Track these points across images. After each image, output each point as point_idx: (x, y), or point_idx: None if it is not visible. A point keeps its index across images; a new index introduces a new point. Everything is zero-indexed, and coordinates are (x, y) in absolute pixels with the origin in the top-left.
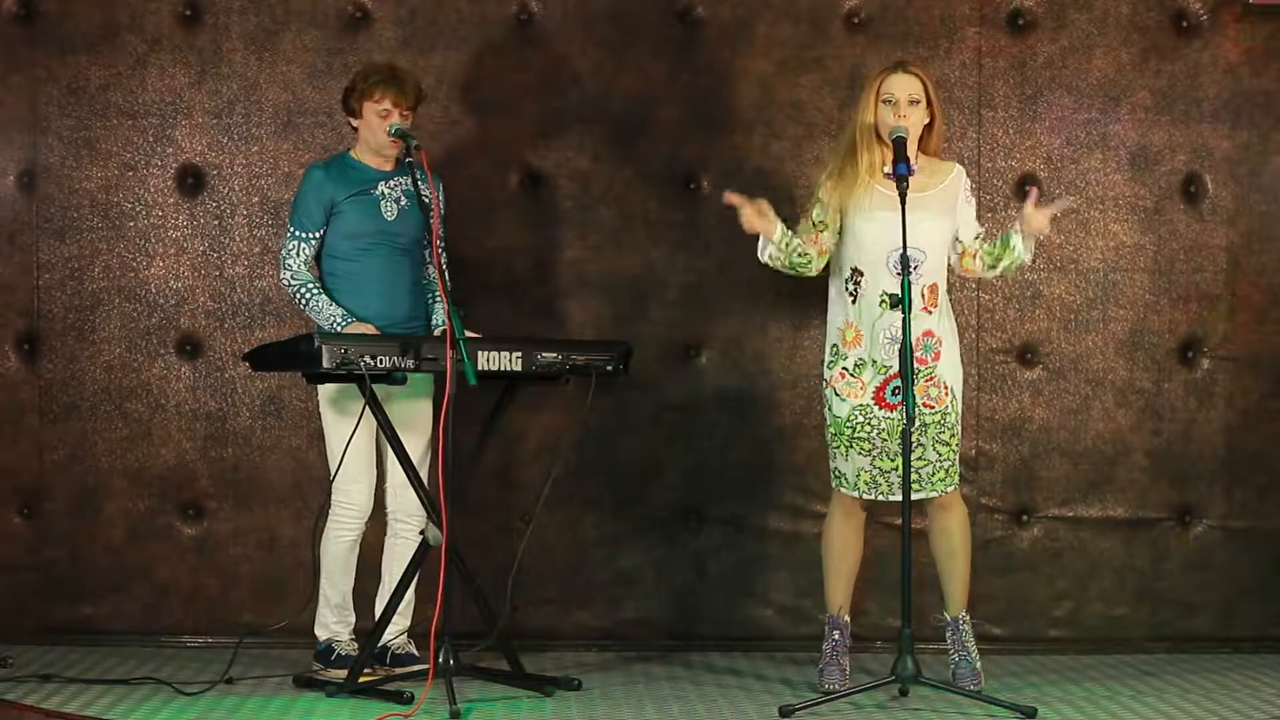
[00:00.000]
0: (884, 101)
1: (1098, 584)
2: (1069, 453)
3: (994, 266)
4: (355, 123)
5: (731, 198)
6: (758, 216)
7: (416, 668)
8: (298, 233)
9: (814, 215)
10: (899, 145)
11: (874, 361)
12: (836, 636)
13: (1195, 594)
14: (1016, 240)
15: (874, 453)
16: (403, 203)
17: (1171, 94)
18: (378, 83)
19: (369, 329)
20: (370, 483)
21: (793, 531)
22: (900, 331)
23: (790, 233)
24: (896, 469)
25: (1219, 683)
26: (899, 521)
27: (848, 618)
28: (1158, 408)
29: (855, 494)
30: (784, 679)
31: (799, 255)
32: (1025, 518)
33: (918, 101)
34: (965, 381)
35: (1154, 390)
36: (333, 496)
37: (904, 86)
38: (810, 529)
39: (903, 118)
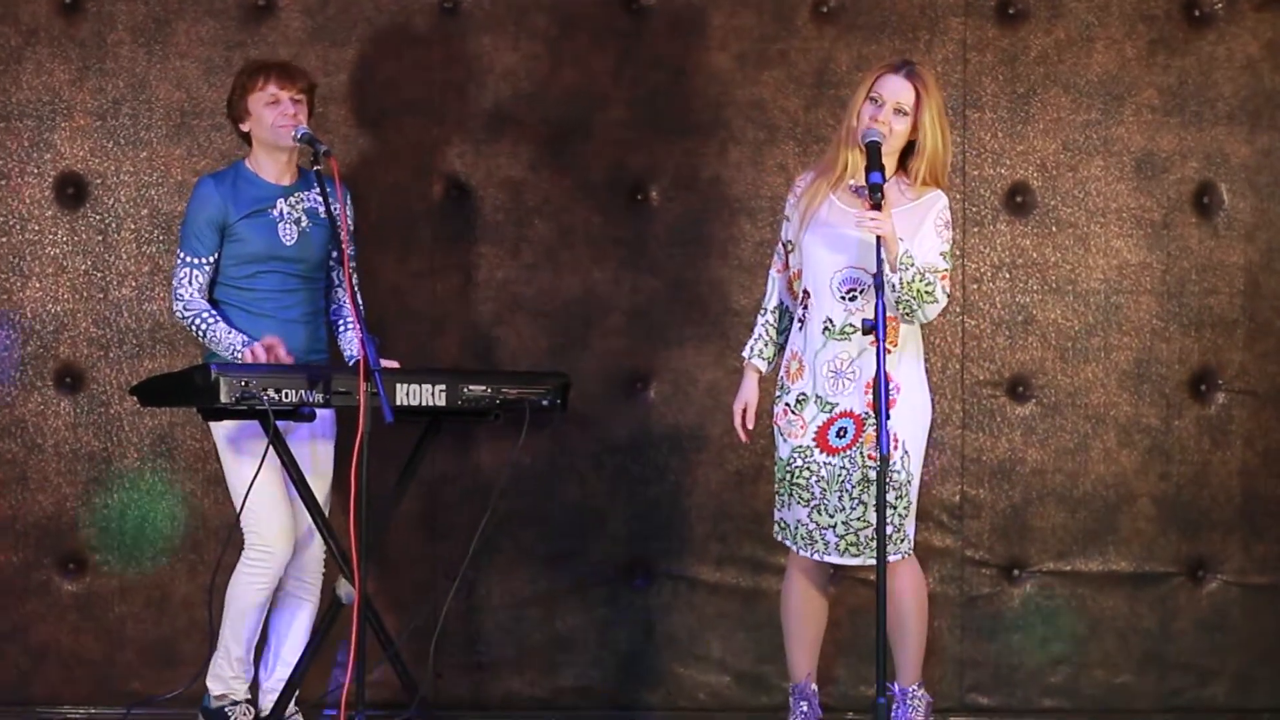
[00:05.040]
0: (869, 99)
1: (1099, 647)
2: (1066, 499)
3: (898, 305)
4: (245, 126)
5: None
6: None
7: None
8: (189, 259)
9: (782, 235)
10: (871, 151)
11: (817, 397)
12: (804, 708)
13: (1209, 659)
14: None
15: (812, 503)
16: (304, 223)
17: (1182, 93)
18: (257, 70)
19: (276, 342)
20: (286, 524)
21: (752, 588)
22: (844, 364)
23: (765, 346)
24: (834, 526)
25: None
26: (873, 578)
27: (815, 686)
28: (1167, 448)
29: (795, 546)
30: None
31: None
32: (1016, 572)
33: (904, 113)
34: (930, 436)
35: (1162, 428)
36: (246, 540)
37: (895, 90)
38: (772, 585)
39: (881, 122)
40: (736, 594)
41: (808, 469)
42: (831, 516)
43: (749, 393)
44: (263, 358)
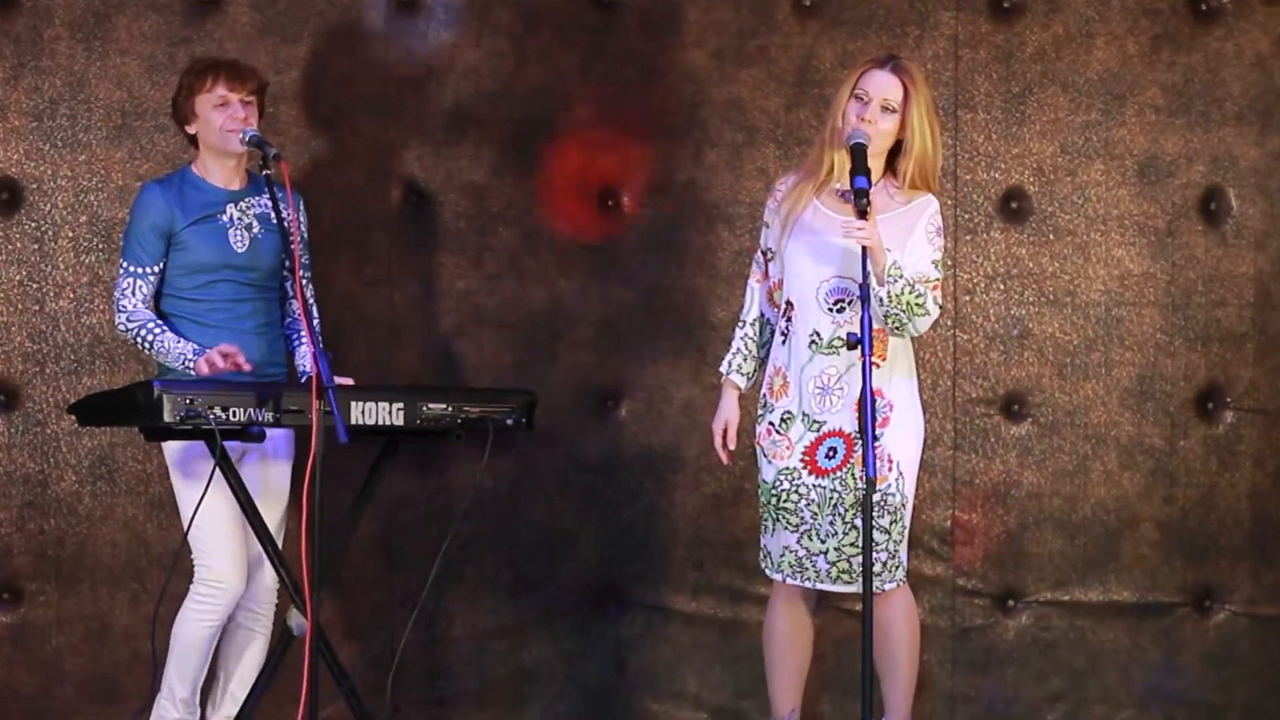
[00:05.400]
0: (855, 97)
1: (1099, 682)
2: (1064, 524)
3: (886, 319)
4: (192, 129)
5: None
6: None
7: None
8: (132, 268)
9: (761, 243)
10: (857, 154)
11: (804, 415)
12: None
13: (1216, 693)
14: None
15: (801, 528)
16: (255, 230)
17: (1188, 92)
18: (205, 69)
19: (234, 350)
20: (239, 556)
21: (731, 619)
22: (832, 380)
23: (745, 361)
24: (826, 553)
25: None
26: (859, 607)
27: None
28: (1171, 470)
29: (779, 576)
30: None
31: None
32: (1011, 602)
33: (892, 110)
34: (923, 458)
35: (1167, 449)
36: (196, 573)
37: (881, 87)
38: (752, 616)
39: (867, 121)
40: (714, 625)
41: (795, 492)
42: (823, 542)
43: (729, 411)
44: (221, 365)
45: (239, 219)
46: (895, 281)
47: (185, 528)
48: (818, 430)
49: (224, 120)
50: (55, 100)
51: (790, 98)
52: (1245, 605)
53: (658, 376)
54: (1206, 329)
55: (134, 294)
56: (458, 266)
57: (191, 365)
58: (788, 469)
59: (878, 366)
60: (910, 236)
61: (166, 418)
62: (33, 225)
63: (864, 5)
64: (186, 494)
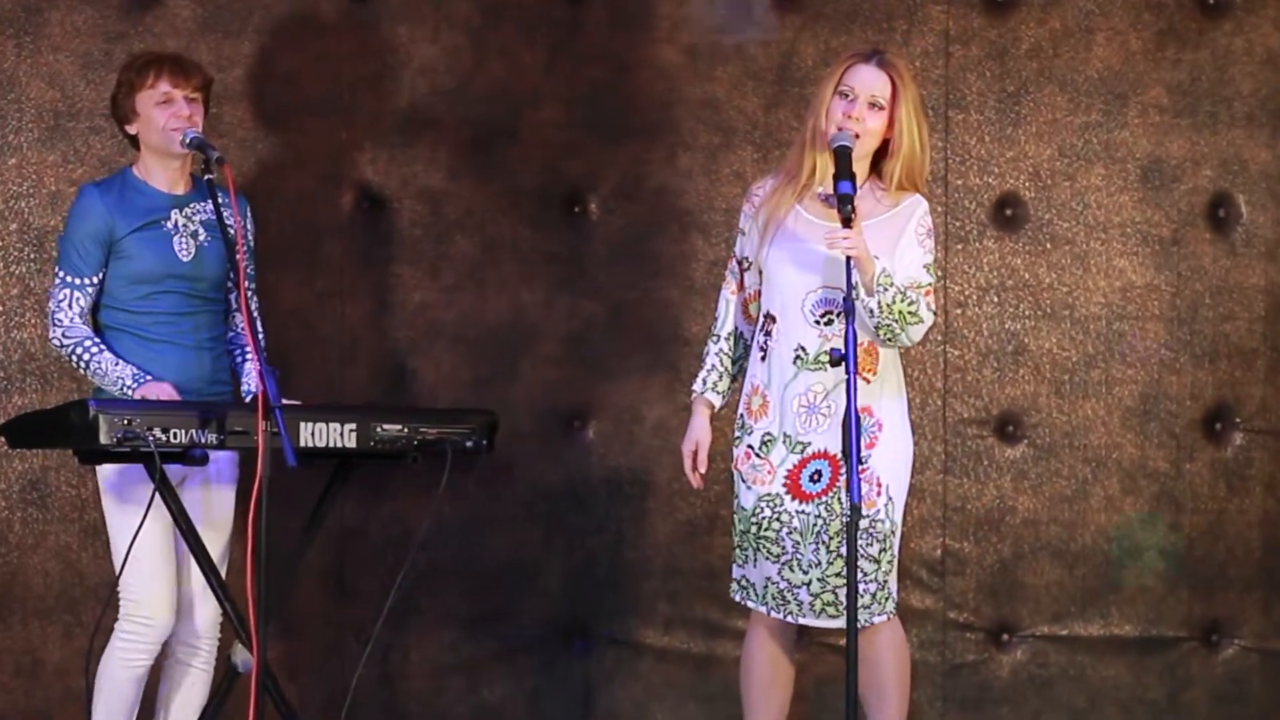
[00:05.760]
0: (839, 93)
1: None
2: (1062, 553)
3: (878, 330)
4: (133, 129)
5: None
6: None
7: None
8: (68, 278)
9: (737, 251)
10: (841, 157)
11: (786, 437)
12: None
13: None
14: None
15: (782, 559)
16: (201, 237)
17: (1194, 91)
18: (147, 64)
19: (168, 389)
20: (170, 591)
21: (705, 654)
22: (818, 398)
23: (720, 378)
24: (809, 584)
25: None
26: (844, 642)
27: None
28: (1177, 495)
29: (763, 609)
30: None
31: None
32: (1006, 637)
33: (880, 107)
34: (912, 482)
35: (1172, 473)
36: (121, 609)
37: (868, 82)
38: (728, 651)
39: (855, 119)
40: (688, 660)
41: (777, 520)
42: (805, 573)
43: (700, 431)
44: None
45: (184, 225)
46: (885, 290)
47: (117, 560)
48: (801, 452)
49: (167, 119)
50: None
51: (769, 97)
52: (1255, 640)
53: (628, 395)
54: (1214, 344)
55: (70, 306)
56: (414, 277)
57: (130, 391)
58: (769, 495)
59: (867, 382)
60: (899, 241)
61: (103, 439)
62: None
63: None
64: (118, 521)
